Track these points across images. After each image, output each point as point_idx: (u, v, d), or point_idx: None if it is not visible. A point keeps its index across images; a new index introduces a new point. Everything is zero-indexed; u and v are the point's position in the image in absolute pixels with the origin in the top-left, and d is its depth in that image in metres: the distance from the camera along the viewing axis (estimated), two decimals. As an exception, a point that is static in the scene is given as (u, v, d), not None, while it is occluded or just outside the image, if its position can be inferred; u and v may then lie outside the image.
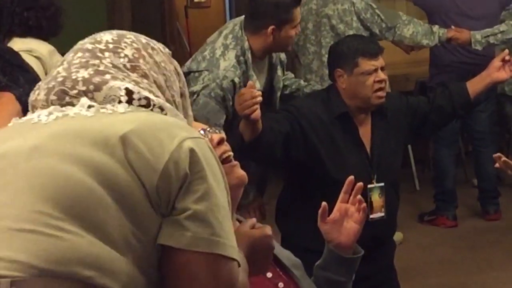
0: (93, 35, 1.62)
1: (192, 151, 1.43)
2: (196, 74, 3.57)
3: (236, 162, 1.90)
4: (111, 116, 1.47)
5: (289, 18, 3.59)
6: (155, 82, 1.57)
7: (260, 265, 1.77)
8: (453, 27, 5.08)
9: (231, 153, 1.90)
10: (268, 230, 1.81)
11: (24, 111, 1.77)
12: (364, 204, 2.24)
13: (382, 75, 3.43)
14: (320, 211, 2.21)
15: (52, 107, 1.50)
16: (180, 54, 7.51)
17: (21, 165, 1.41)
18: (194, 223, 1.41)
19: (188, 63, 3.69)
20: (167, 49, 1.65)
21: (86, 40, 1.61)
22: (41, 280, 1.31)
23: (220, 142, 1.91)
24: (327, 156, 3.41)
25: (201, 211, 1.42)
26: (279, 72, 3.82)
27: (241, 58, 3.58)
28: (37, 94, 1.54)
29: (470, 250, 5.30)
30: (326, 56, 4.41)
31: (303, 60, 4.93)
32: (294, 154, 3.38)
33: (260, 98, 3.00)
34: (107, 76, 1.52)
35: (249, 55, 3.58)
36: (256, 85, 3.21)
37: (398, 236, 5.29)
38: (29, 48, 3.48)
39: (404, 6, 6.40)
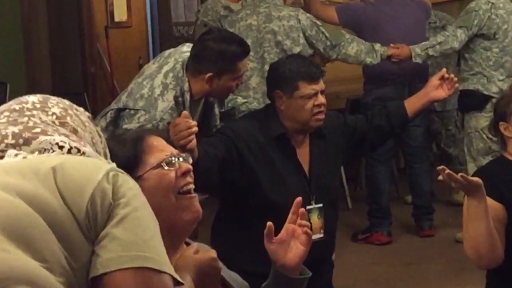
0: (17, 98, 1.65)
1: (115, 180, 1.46)
2: (132, 111, 3.50)
3: (195, 195, 1.93)
4: (38, 157, 1.51)
5: (230, 69, 3.48)
6: (82, 138, 1.61)
7: None
8: (392, 44, 5.23)
9: (193, 186, 1.92)
10: (213, 253, 1.88)
11: None
12: (305, 228, 2.20)
13: (321, 99, 3.41)
14: (266, 230, 2.17)
15: None
16: (101, 75, 7.37)
17: None
18: (116, 245, 1.41)
19: (123, 97, 3.60)
20: (87, 113, 1.70)
21: (11, 102, 1.64)
22: None
23: (185, 173, 1.94)
24: (265, 178, 3.37)
25: (121, 233, 1.41)
26: (216, 110, 3.74)
27: (180, 99, 3.50)
28: None
29: (406, 267, 5.29)
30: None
31: None
32: (230, 177, 3.32)
33: (195, 129, 2.93)
34: (37, 130, 1.55)
35: (188, 97, 3.50)
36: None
37: None
38: None
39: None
